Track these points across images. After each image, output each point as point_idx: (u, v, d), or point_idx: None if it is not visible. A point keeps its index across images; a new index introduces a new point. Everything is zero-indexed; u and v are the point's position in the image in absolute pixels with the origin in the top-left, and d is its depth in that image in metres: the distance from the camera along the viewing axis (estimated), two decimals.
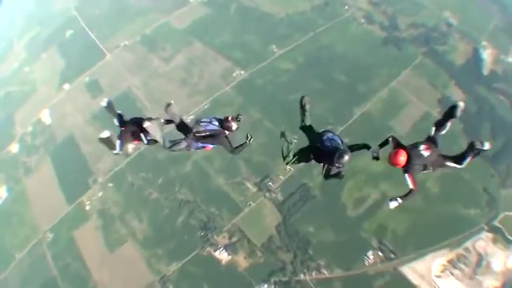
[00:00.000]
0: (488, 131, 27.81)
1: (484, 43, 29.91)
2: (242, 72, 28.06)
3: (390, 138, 4.88)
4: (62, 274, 25.02)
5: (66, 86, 31.21)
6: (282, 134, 5.29)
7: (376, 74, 26.80)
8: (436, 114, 25.95)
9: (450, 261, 26.23)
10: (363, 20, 30.96)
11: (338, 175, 5.01)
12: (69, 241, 26.09)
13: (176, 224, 24.45)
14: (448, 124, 4.75)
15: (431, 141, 4.73)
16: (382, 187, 23.42)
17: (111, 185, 26.44)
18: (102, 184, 26.62)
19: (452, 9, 31.66)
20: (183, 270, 23.72)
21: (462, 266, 26.43)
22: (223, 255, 23.64)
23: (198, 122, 5.05)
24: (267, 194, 23.90)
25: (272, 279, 22.91)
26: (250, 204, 23.93)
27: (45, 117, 30.80)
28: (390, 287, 24.03)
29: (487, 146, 4.47)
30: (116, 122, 5.23)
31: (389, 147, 4.87)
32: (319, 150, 4.79)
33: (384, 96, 26.60)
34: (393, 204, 4.58)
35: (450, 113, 4.69)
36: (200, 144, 5.11)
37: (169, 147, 5.12)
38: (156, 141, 5.11)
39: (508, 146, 27.71)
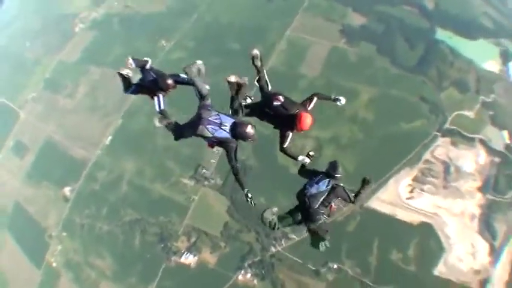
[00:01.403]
0: (403, 44, 27.45)
1: None
2: None
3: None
4: None
5: None
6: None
7: (268, 30, 26.39)
8: (342, 45, 25.67)
9: (415, 179, 25.32)
10: None
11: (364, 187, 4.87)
12: None
13: (135, 246, 23.93)
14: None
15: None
16: (313, 134, 22.96)
17: (64, 234, 25.97)
18: (57, 236, 26.13)
19: None
20: None
21: (430, 179, 25.48)
22: (189, 259, 23.11)
23: (204, 119, 4.13)
24: (206, 183, 23.38)
25: (246, 264, 22.45)
26: (193, 199, 23.45)
27: None
28: (364, 225, 23.48)
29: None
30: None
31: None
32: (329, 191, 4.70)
33: (283, 48, 26.17)
34: (343, 100, 4.89)
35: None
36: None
37: (160, 112, 4.57)
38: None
39: (429, 50, 27.21)
